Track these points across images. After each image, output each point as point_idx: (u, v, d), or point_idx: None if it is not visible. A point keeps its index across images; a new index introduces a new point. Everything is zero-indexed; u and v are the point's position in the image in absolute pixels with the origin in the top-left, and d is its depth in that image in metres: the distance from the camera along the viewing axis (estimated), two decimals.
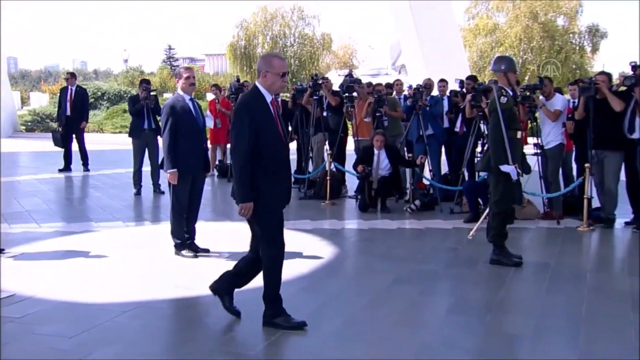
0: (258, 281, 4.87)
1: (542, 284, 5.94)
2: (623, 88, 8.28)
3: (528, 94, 8.81)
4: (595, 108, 8.16)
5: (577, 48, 39.99)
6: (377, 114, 10.07)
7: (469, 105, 9.34)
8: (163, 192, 10.38)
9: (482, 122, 9.04)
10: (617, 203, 8.39)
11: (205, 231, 7.54)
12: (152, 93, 11.03)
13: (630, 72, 8.17)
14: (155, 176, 10.87)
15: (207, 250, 6.90)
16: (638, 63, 8.17)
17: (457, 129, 10.08)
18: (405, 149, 10.26)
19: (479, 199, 8.70)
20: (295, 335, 4.64)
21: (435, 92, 10.64)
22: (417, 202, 9.36)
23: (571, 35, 39.96)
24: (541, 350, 4.41)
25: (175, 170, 6.57)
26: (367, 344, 4.49)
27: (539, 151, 9.01)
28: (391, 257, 6.92)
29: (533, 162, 8.90)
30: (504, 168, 6.40)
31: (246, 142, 4.52)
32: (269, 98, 4.66)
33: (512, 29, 39.19)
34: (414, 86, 10.40)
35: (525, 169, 8.59)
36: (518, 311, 5.27)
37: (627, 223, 8.41)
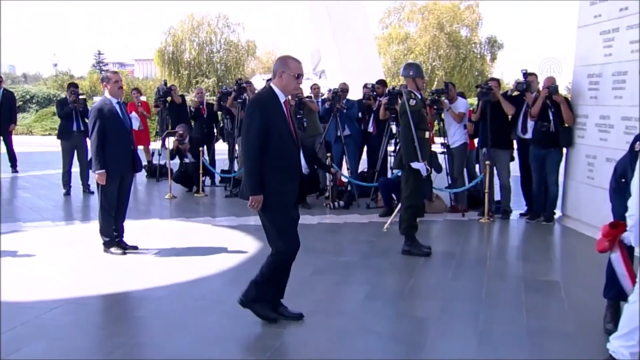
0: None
1: (448, 271, 6.10)
2: (516, 93, 8.62)
3: (436, 97, 9.03)
4: (490, 111, 8.46)
5: (479, 57, 41.21)
6: (298, 116, 10.09)
7: (383, 108, 9.47)
8: (92, 192, 10.09)
9: (394, 123, 9.20)
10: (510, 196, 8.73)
11: (134, 229, 7.39)
12: (80, 96, 10.75)
13: (522, 79, 8.51)
14: (84, 177, 10.63)
15: (135, 248, 6.76)
16: (528, 71, 8.53)
17: (370, 130, 10.21)
18: (324, 148, 10.31)
19: (393, 195, 8.84)
20: (221, 324, 4.61)
21: (350, 95, 10.72)
22: (342, 202, 9.45)
23: (473, 45, 41.16)
24: (446, 330, 4.54)
25: (104, 170, 6.41)
26: (288, 331, 4.49)
27: (445, 150, 9.25)
28: (311, 249, 6.92)
29: (440, 160, 9.18)
30: (415, 165, 6.53)
31: (256, 136, 4.33)
32: (282, 98, 4.48)
33: (422, 38, 40.08)
34: (332, 90, 10.48)
35: (437, 168, 8.82)
36: (426, 296, 5.39)
37: (521, 214, 8.74)
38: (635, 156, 3.99)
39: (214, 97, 14.04)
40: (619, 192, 4.23)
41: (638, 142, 4.10)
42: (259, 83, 12.70)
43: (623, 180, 4.22)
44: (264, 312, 4.60)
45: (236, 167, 11.11)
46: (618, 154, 7.09)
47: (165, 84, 12.95)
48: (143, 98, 14.51)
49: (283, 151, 4.42)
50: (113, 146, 6.45)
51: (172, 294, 5.33)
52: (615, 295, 4.49)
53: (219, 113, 12.03)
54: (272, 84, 4.52)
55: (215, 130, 12.47)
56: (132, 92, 12.67)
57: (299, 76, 4.52)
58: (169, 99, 12.20)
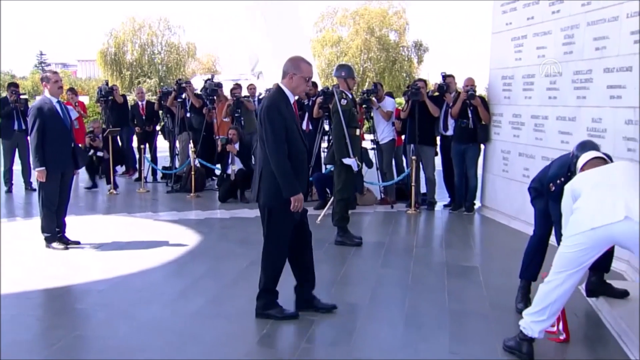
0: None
1: (378, 260, 6.18)
2: (437, 94, 8.80)
3: (366, 97, 9.13)
4: (418, 110, 8.61)
5: (407, 59, 41.82)
6: (236, 114, 10.05)
7: (316, 107, 9.49)
8: (34, 189, 9.73)
9: (327, 121, 9.24)
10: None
11: (77, 225, 7.19)
12: (22, 96, 10.38)
13: (442, 81, 8.72)
14: (26, 174, 10.31)
15: (77, 243, 6.57)
16: (447, 73, 8.74)
17: (304, 128, 10.21)
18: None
19: (327, 189, 8.89)
20: (162, 314, 4.54)
21: None
22: None
23: (402, 48, 41.72)
24: (375, 314, 4.60)
25: (43, 168, 6.20)
26: (227, 320, 4.45)
27: (375, 146, 9.37)
28: (249, 242, 6.90)
29: (371, 155, 9.29)
30: (346, 161, 6.58)
31: (282, 138, 4.16)
32: (291, 99, 4.35)
33: (354, 42, 40.35)
34: (268, 90, 10.43)
35: (368, 163, 8.93)
36: (357, 283, 5.44)
37: (445, 205, 8.95)
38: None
39: (154, 97, 13.74)
40: (558, 198, 4.37)
41: (552, 183, 4.28)
42: (199, 83, 12.51)
43: (552, 186, 4.35)
44: (282, 314, 4.44)
45: (177, 164, 10.97)
46: (529, 149, 7.38)
47: (107, 83, 12.63)
48: (80, 98, 14.08)
49: (296, 152, 4.28)
50: (53, 144, 6.25)
51: (113, 287, 5.21)
52: (530, 276, 4.68)
53: (160, 112, 11.82)
54: (281, 85, 4.36)
55: (158, 128, 12.27)
56: (67, 93, 12.24)
57: (309, 79, 4.41)
58: (111, 98, 11.89)
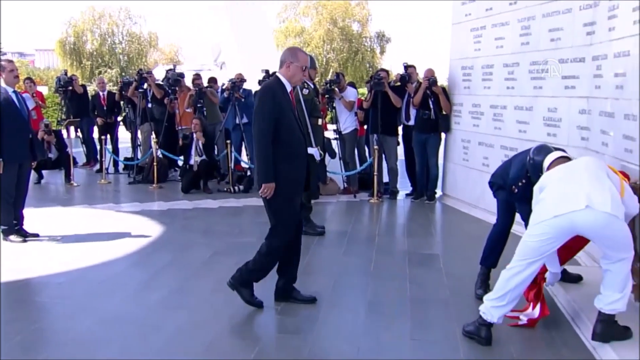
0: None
1: (341, 249, 6.21)
2: (398, 84, 8.85)
3: (329, 87, 9.12)
4: (380, 100, 8.64)
5: (369, 50, 41.91)
6: (198, 105, 9.95)
7: None
8: None
9: None
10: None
11: (36, 217, 7.04)
12: None
13: (403, 71, 8.77)
14: None
15: (36, 235, 6.43)
16: (409, 64, 8.80)
17: None
18: (224, 136, 10.18)
19: None
20: (123, 306, 4.48)
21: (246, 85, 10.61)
22: (242, 186, 9.39)
23: (364, 39, 41.79)
24: (338, 302, 4.63)
25: (0, 159, 6.04)
26: (189, 310, 4.42)
27: (337, 136, 9.38)
28: (212, 232, 6.88)
29: (333, 145, 9.31)
30: (308, 150, 6.55)
31: (268, 123, 4.13)
32: (288, 88, 4.31)
33: (317, 32, 40.27)
34: (231, 80, 10.34)
35: (331, 153, 8.94)
36: (320, 272, 5.45)
37: (407, 194, 9.03)
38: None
39: (116, 87, 13.47)
40: (518, 199, 4.45)
41: (514, 186, 4.35)
42: (161, 74, 12.32)
43: (515, 189, 4.43)
44: (250, 299, 4.44)
45: (139, 155, 10.81)
46: (488, 138, 7.49)
47: (66, 73, 12.35)
48: (39, 88, 13.74)
49: (292, 139, 4.26)
50: (10, 135, 6.07)
51: (73, 279, 5.12)
52: (490, 264, 4.77)
53: (122, 102, 11.62)
54: (278, 74, 4.34)
55: (120, 119, 12.06)
56: (25, 82, 11.91)
57: (306, 68, 4.39)
58: (70, 88, 11.64)
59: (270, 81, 4.39)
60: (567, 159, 3.94)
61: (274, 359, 3.71)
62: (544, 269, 4.07)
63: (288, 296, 4.57)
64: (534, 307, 4.11)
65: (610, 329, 3.66)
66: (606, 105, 5.04)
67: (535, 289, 4.14)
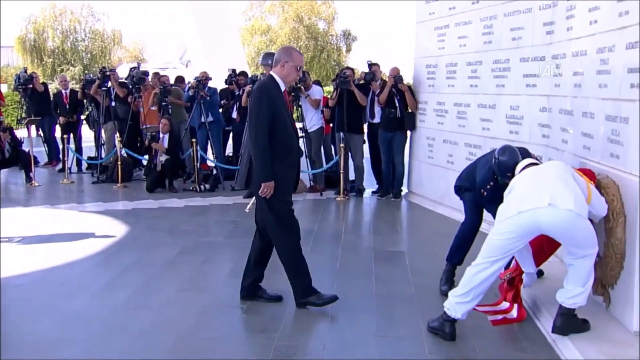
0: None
1: (307, 246, 6.15)
2: (363, 82, 8.88)
3: (295, 85, 9.09)
4: (346, 98, 8.67)
5: (335, 48, 41.97)
6: (163, 103, 9.84)
7: (246, 95, 9.36)
8: None
9: None
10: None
11: None
12: None
13: (368, 70, 8.81)
14: None
15: None
16: (373, 62, 8.85)
17: (233, 117, 10.10)
18: (189, 134, 10.09)
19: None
20: (86, 307, 4.40)
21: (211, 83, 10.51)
22: (207, 185, 9.32)
23: (330, 37, 41.82)
24: None
25: None
26: (154, 310, 4.37)
27: (303, 134, 9.36)
28: (178, 231, 6.82)
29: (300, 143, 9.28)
30: None
31: (265, 122, 4.11)
32: (282, 87, 4.30)
33: (283, 30, 40.14)
34: (196, 78, 10.24)
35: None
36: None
37: (373, 192, 9.07)
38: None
39: (78, 85, 13.23)
40: (488, 202, 4.49)
41: (482, 189, 4.41)
42: (125, 72, 12.12)
43: (484, 192, 4.49)
44: (322, 300, 4.37)
45: (103, 154, 10.66)
46: (453, 136, 7.56)
47: (26, 71, 12.08)
48: None
49: (286, 138, 4.25)
50: None
51: (34, 281, 5.02)
52: (456, 261, 4.82)
53: (85, 101, 11.41)
54: (272, 73, 4.32)
55: (83, 117, 11.87)
56: None
57: (300, 68, 4.38)
58: (30, 86, 11.39)
59: (264, 80, 4.37)
60: (536, 165, 4.02)
61: (239, 359, 3.68)
62: (521, 272, 4.16)
63: (254, 295, 4.56)
64: (511, 309, 4.17)
65: (569, 322, 3.74)
66: (565, 104, 5.14)
67: (514, 290, 4.21)
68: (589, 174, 4.05)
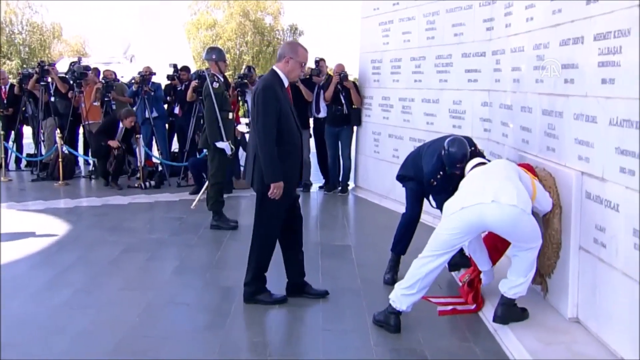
0: None
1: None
2: (308, 77, 8.88)
3: (241, 81, 9.03)
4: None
5: (282, 43, 41.80)
6: (106, 99, 9.62)
7: (190, 90, 9.24)
8: None
9: (201, 105, 9.05)
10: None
11: None
12: None
13: (314, 65, 8.84)
14: None
15: None
16: (319, 57, 8.88)
17: (176, 112, 9.95)
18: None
19: (203, 173, 8.73)
20: (25, 308, 4.27)
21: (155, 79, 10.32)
22: (153, 182, 9.17)
23: (277, 31, 41.67)
24: None
25: None
26: (95, 310, 4.27)
27: (250, 130, 9.30)
28: (122, 229, 6.68)
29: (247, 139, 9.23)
30: (219, 145, 6.49)
31: (273, 122, 4.05)
32: (286, 83, 4.22)
33: (229, 25, 39.75)
34: (139, 73, 10.04)
35: (245, 147, 8.82)
36: (233, 267, 5.37)
37: (320, 187, 9.09)
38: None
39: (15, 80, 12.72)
40: (438, 192, 4.55)
41: (432, 179, 4.46)
42: (66, 66, 11.76)
43: (433, 182, 4.55)
44: (272, 299, 4.37)
45: (43, 151, 10.35)
46: (398, 130, 7.66)
47: None
48: None
49: (291, 136, 4.19)
50: None
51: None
52: (400, 251, 4.90)
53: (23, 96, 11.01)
54: (276, 68, 4.24)
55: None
56: None
57: (304, 64, 4.33)
58: None
59: (269, 76, 4.28)
60: (484, 164, 4.11)
61: (184, 357, 3.64)
62: (478, 272, 4.26)
63: (301, 291, 4.51)
64: (472, 304, 4.26)
65: (510, 312, 3.84)
66: (505, 98, 5.27)
67: (473, 292, 4.29)
68: (528, 168, 4.17)
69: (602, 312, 3.47)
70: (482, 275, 4.27)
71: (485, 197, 3.64)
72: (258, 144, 4.14)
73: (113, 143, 8.93)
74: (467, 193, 3.78)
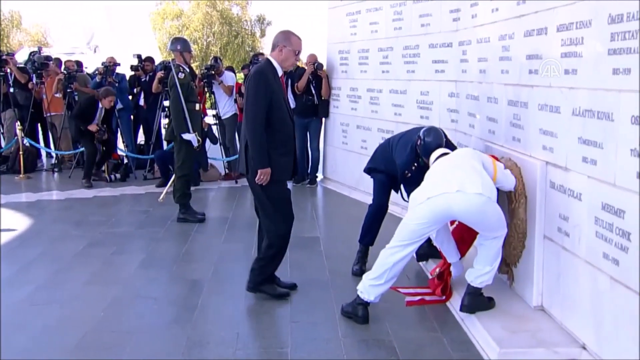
0: None
1: (221, 235, 6.15)
2: None
3: (208, 72, 8.95)
4: None
5: (250, 33, 41.54)
6: (68, 90, 9.44)
7: (156, 81, 9.13)
8: None
9: (166, 96, 8.96)
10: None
11: None
12: None
13: None
14: None
15: None
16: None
17: (141, 103, 9.82)
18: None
19: (170, 166, 8.65)
20: None
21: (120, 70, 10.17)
22: (118, 175, 9.05)
23: (244, 22, 41.36)
24: (218, 289, 4.60)
25: None
26: (59, 305, 4.22)
27: (217, 121, 9.26)
28: (87, 223, 6.59)
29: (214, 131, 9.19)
30: (185, 136, 6.44)
31: (262, 108, 4.03)
32: (279, 72, 4.18)
33: (195, 15, 39.31)
34: (103, 63, 9.87)
35: (213, 139, 8.79)
36: (200, 260, 5.38)
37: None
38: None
39: None
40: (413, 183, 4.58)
41: (407, 171, 4.48)
42: (26, 56, 11.51)
43: (408, 173, 4.57)
44: (276, 291, 4.38)
45: (2, 143, 10.13)
46: (366, 121, 7.69)
47: None
48: None
49: (283, 124, 4.16)
50: None
51: None
52: (368, 242, 4.93)
53: None
54: (270, 57, 4.22)
55: None
56: None
57: (299, 53, 4.28)
58: None
59: (262, 65, 4.25)
60: (447, 154, 4.14)
61: (150, 352, 3.61)
62: (448, 265, 4.30)
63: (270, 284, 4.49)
64: (440, 296, 4.31)
65: (476, 301, 3.90)
66: (472, 89, 5.32)
67: (442, 284, 4.33)
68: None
69: (566, 299, 3.55)
70: (451, 268, 4.32)
71: (450, 187, 3.68)
72: (246, 130, 4.14)
73: (92, 127, 8.65)
74: (433, 183, 3.82)
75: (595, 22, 3.18)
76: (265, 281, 4.40)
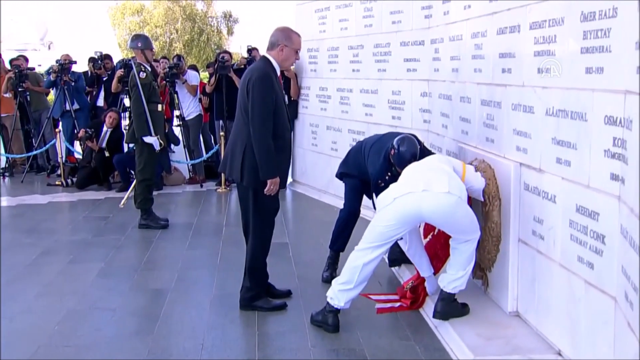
0: None
1: (185, 242, 6.12)
2: (243, 67, 8.84)
3: (171, 71, 8.88)
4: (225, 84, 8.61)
5: (216, 31, 41.34)
6: (20, 89, 9.28)
7: (116, 80, 9.03)
8: None
9: (126, 96, 8.87)
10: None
11: None
12: None
13: (247, 54, 8.81)
14: None
15: None
16: (252, 46, 8.85)
17: (100, 104, 9.71)
18: (51, 123, 9.60)
19: (130, 170, 8.57)
20: None
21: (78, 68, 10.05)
22: (75, 179, 8.94)
23: (210, 18, 41.14)
24: (181, 298, 4.57)
25: None
26: (8, 319, 4.13)
27: (181, 122, 9.20)
28: (39, 230, 6.49)
29: (177, 132, 9.13)
30: (147, 139, 6.39)
31: (270, 114, 3.97)
32: (277, 72, 4.13)
33: (157, 10, 38.97)
34: (58, 61, 9.73)
35: (174, 140, 8.73)
36: (163, 268, 5.34)
37: None
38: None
39: None
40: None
41: (380, 180, 4.46)
42: None
43: (381, 183, 4.56)
44: (270, 305, 4.33)
45: None
46: (336, 122, 7.71)
47: None
48: None
49: (284, 130, 4.11)
50: None
51: None
52: (339, 247, 4.94)
53: None
54: (268, 56, 4.14)
55: None
56: None
57: (298, 52, 4.24)
58: None
59: (263, 65, 4.15)
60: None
61: None
62: (423, 280, 4.31)
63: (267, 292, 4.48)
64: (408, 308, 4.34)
65: (450, 307, 3.94)
66: (445, 88, 5.38)
67: (413, 297, 4.34)
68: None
69: (541, 305, 3.60)
70: (426, 284, 4.34)
71: (416, 187, 3.72)
72: (253, 138, 4.01)
73: (92, 145, 8.62)
74: (399, 184, 3.87)
75: (568, 20, 3.24)
76: (259, 296, 4.34)
